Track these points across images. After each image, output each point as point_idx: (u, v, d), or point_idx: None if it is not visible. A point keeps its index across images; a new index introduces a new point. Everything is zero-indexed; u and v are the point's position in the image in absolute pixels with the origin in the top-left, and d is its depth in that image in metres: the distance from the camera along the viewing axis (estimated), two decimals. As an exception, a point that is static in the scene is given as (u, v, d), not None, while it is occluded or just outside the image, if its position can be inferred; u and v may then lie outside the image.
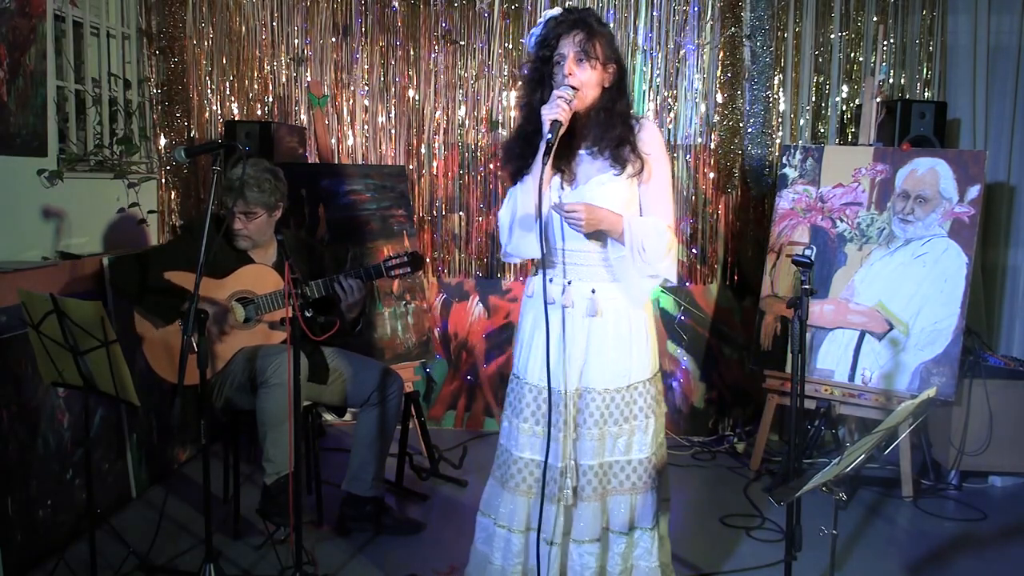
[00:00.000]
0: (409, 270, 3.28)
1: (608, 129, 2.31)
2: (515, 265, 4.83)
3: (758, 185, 4.70)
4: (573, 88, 2.24)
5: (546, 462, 2.33)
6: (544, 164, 2.19)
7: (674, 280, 2.43)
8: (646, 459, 2.40)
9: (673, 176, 4.19)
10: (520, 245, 2.36)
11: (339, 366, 3.41)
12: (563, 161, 2.33)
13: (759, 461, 4.25)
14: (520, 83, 2.45)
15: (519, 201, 2.33)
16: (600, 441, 2.36)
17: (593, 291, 2.34)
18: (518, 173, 2.36)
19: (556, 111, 2.20)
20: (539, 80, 2.34)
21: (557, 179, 2.34)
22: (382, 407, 3.37)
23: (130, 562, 2.99)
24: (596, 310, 2.34)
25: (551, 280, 2.35)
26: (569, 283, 2.35)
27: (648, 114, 4.71)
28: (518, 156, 2.36)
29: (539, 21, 2.38)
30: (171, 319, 3.19)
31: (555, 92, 2.24)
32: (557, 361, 2.35)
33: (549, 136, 2.19)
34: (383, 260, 3.28)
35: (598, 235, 2.32)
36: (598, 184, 2.31)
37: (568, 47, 2.27)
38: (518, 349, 2.48)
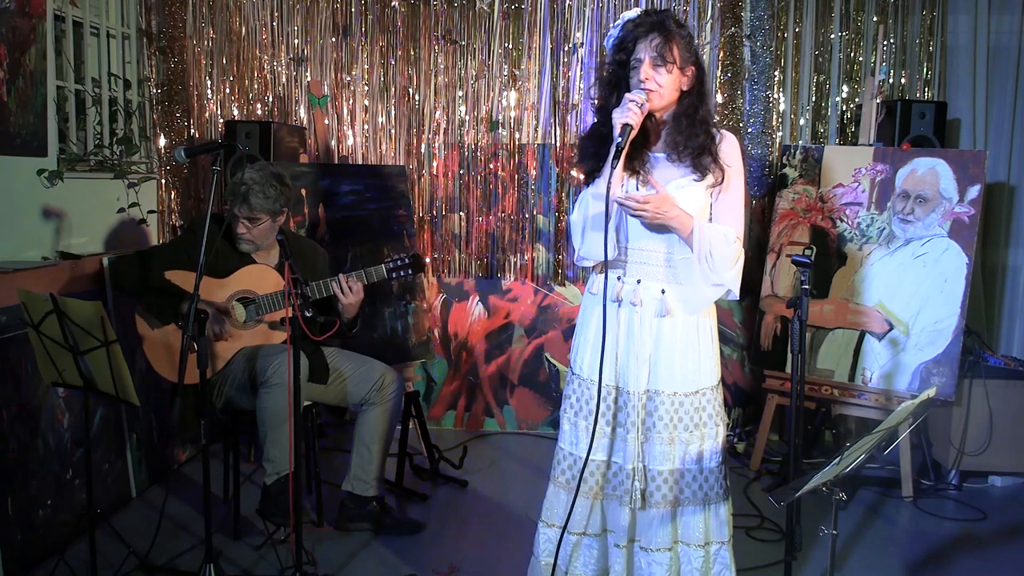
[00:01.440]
0: (410, 272, 3.28)
1: (691, 137, 2.30)
2: (515, 265, 4.83)
3: (758, 185, 4.70)
4: (645, 91, 2.23)
5: (587, 458, 2.32)
6: (614, 168, 2.18)
7: (737, 294, 2.38)
8: (717, 468, 2.38)
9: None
10: (592, 247, 2.32)
11: (339, 366, 3.41)
12: (637, 162, 2.32)
13: (759, 461, 4.25)
14: (596, 84, 2.44)
15: (590, 203, 2.31)
16: (671, 446, 2.33)
17: (663, 291, 2.33)
18: (591, 174, 2.35)
19: (627, 115, 2.19)
20: (615, 83, 2.33)
21: (632, 181, 2.31)
22: (382, 407, 3.37)
23: (130, 562, 2.99)
24: (667, 310, 2.32)
25: (619, 279, 2.34)
26: (638, 282, 2.33)
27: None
28: (593, 156, 2.34)
29: (616, 23, 2.37)
30: (168, 320, 3.19)
31: (627, 96, 2.23)
32: (625, 361, 2.34)
33: (619, 140, 2.18)
34: (384, 261, 3.27)
35: (668, 236, 2.30)
36: (677, 187, 2.30)
37: (644, 51, 2.26)
38: (582, 348, 2.43)
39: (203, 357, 2.68)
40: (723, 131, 2.37)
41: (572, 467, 2.41)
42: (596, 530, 2.42)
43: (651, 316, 2.33)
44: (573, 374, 2.45)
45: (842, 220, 4.14)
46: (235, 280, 3.27)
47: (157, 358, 3.22)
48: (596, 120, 2.40)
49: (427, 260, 4.81)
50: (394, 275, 3.26)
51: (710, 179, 2.31)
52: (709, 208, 2.37)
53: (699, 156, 2.29)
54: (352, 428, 3.47)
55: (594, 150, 2.34)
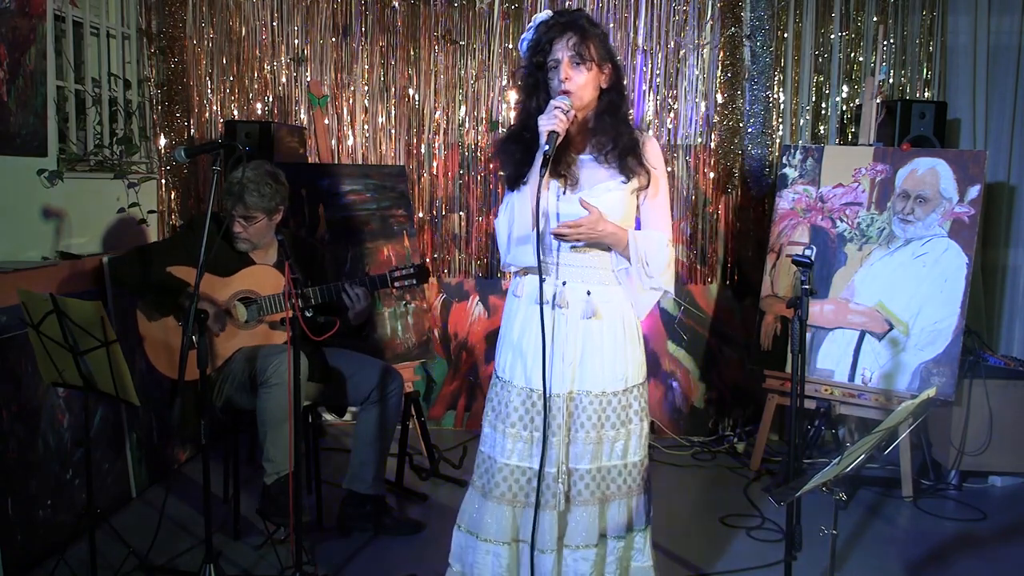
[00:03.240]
0: (415, 282, 3.28)
1: (617, 137, 2.30)
2: (515, 265, 4.83)
3: (758, 185, 4.70)
4: (568, 95, 2.22)
5: (541, 469, 2.28)
6: (541, 176, 2.17)
7: (672, 292, 2.45)
8: (639, 462, 2.39)
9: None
10: (518, 255, 2.32)
11: (339, 366, 3.41)
12: (562, 165, 2.30)
13: (759, 461, 4.25)
14: (516, 86, 2.42)
15: (516, 211, 2.29)
16: (597, 445, 2.33)
17: (589, 293, 2.33)
18: (515, 180, 2.32)
19: (553, 122, 2.18)
20: (534, 86, 2.31)
21: (556, 184, 2.30)
22: (382, 405, 3.37)
23: (130, 562, 2.99)
24: (593, 311, 2.32)
25: (544, 280, 2.30)
26: (564, 284, 2.32)
27: (648, 114, 4.72)
28: (518, 162, 2.32)
29: (529, 26, 2.35)
30: (169, 312, 3.18)
31: (552, 102, 2.21)
32: (550, 363, 2.30)
33: (547, 148, 2.16)
34: (389, 271, 3.28)
35: (597, 243, 2.31)
36: (605, 190, 2.30)
37: (562, 51, 2.24)
38: (505, 351, 2.42)
39: (203, 356, 2.68)
40: (645, 134, 2.39)
41: (488, 472, 2.37)
42: (507, 538, 2.36)
43: (577, 318, 2.32)
44: (497, 377, 2.42)
45: (842, 220, 4.14)
46: (238, 280, 3.27)
47: (157, 356, 3.22)
48: (517, 123, 2.38)
49: (427, 260, 4.80)
50: (397, 284, 3.26)
51: (636, 182, 2.32)
52: (636, 210, 2.37)
53: (625, 157, 2.30)
54: (352, 428, 3.47)
55: (519, 156, 2.32)
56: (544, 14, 2.33)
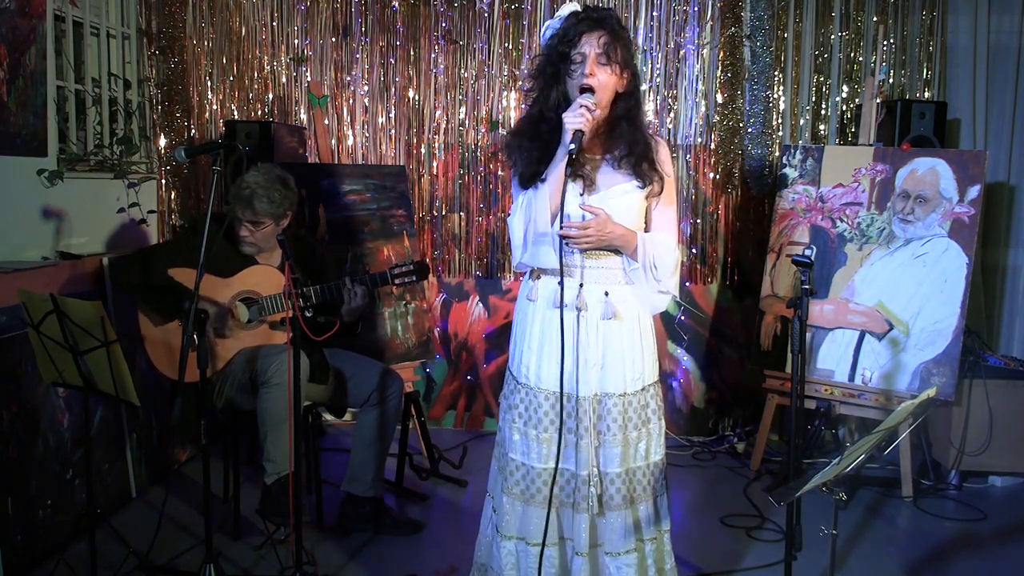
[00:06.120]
0: (414, 279, 3.27)
1: (633, 144, 2.29)
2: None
3: (758, 185, 4.70)
4: (592, 93, 2.20)
5: (556, 468, 2.28)
6: (567, 175, 2.17)
7: (678, 295, 2.43)
8: (661, 461, 2.39)
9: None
10: (537, 255, 2.30)
11: (340, 366, 3.41)
12: (577, 164, 2.27)
13: (759, 461, 4.25)
14: (530, 77, 2.36)
15: (535, 209, 2.26)
16: (624, 447, 2.33)
17: (607, 293, 2.32)
18: (531, 177, 2.29)
19: (580, 120, 2.16)
20: (554, 76, 2.28)
21: (574, 186, 2.27)
22: (382, 407, 3.37)
23: (130, 562, 2.99)
24: (613, 312, 2.31)
25: (560, 283, 2.28)
26: (582, 286, 2.31)
27: (648, 114, 4.71)
28: (535, 159, 2.29)
29: (558, 14, 2.33)
30: (171, 316, 3.19)
31: (578, 100, 2.20)
32: (573, 367, 2.30)
33: (572, 147, 2.15)
34: (389, 268, 3.27)
35: (607, 246, 2.30)
36: (622, 192, 2.29)
37: (590, 47, 2.23)
38: (526, 356, 2.38)
39: (203, 357, 2.68)
40: (658, 138, 2.38)
41: (525, 478, 2.37)
42: (553, 539, 2.37)
43: (597, 319, 2.31)
44: (518, 383, 2.40)
45: (842, 220, 4.14)
46: (239, 280, 3.27)
47: (159, 356, 3.23)
48: (531, 114, 2.35)
49: (427, 260, 4.80)
50: (397, 281, 3.26)
51: (652, 187, 2.32)
52: (645, 212, 2.37)
53: (640, 164, 2.29)
54: (352, 428, 3.47)
55: (537, 153, 2.29)
56: (573, 5, 2.31)
